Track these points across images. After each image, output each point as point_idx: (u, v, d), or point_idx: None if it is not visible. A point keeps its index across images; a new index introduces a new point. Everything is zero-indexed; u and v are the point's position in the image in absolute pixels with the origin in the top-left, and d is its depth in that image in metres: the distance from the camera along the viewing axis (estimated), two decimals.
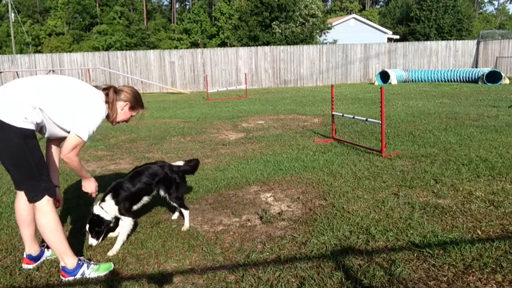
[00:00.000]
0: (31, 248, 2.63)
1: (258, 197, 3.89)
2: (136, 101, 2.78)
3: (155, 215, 3.51)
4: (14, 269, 2.64)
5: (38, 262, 2.66)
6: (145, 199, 3.16)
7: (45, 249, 2.77)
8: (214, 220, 3.38)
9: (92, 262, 2.58)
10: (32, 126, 2.33)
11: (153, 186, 3.15)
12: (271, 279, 2.40)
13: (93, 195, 2.77)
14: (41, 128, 2.43)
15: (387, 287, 2.29)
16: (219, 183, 4.33)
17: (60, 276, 2.49)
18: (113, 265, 2.56)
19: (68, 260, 2.46)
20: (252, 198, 3.88)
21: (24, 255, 2.68)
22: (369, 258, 2.58)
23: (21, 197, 2.51)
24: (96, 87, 2.67)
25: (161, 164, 3.26)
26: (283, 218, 3.35)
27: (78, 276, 2.46)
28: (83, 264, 2.49)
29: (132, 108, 2.77)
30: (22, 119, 2.28)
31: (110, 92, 2.65)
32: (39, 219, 2.42)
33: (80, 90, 2.53)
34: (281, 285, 2.33)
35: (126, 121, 2.82)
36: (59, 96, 2.43)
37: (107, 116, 2.64)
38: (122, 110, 2.73)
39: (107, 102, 2.62)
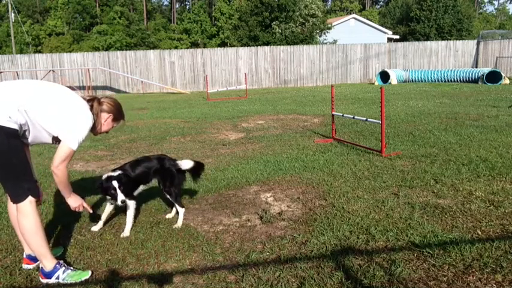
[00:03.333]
0: (28, 248, 2.63)
1: (258, 197, 3.89)
2: (119, 112, 2.82)
3: (155, 215, 3.51)
4: (14, 269, 2.64)
5: (38, 262, 2.66)
6: (142, 187, 3.34)
7: None
8: (214, 220, 3.37)
9: (71, 268, 2.55)
10: (15, 126, 2.32)
11: (150, 176, 3.32)
12: (271, 279, 2.40)
13: (80, 209, 2.72)
14: (24, 132, 2.41)
15: (387, 287, 2.29)
16: (219, 183, 4.33)
17: (39, 277, 2.51)
18: (90, 273, 2.52)
19: (47, 262, 2.47)
20: (252, 198, 3.87)
21: (24, 256, 2.68)
22: (369, 258, 2.58)
23: None
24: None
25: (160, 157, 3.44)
26: (283, 218, 3.35)
27: (53, 280, 2.47)
28: (59, 268, 2.49)
29: (114, 119, 2.81)
30: (6, 118, 2.28)
31: (94, 103, 2.67)
32: (21, 221, 2.42)
33: (67, 97, 2.54)
34: (281, 285, 2.33)
35: (107, 132, 2.85)
36: (46, 100, 2.44)
37: (93, 126, 2.65)
38: (105, 121, 2.76)
39: (91, 113, 2.63)
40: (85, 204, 2.73)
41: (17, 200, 2.41)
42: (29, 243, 2.48)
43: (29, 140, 2.49)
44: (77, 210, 2.70)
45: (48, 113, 2.41)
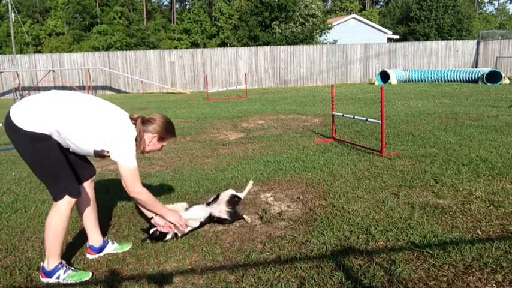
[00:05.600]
0: (92, 239, 2.74)
1: (258, 197, 3.89)
2: (166, 132, 2.68)
3: None
4: (14, 269, 2.63)
5: (100, 253, 2.75)
6: None
7: (109, 242, 2.84)
8: None
9: (72, 268, 2.55)
10: (43, 131, 2.32)
11: None
12: (271, 279, 2.40)
13: (181, 228, 2.84)
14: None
15: (387, 287, 2.29)
16: (219, 183, 4.33)
17: (39, 276, 2.51)
18: (90, 275, 2.52)
19: (51, 261, 2.48)
20: (252, 198, 3.87)
21: (87, 246, 2.79)
22: (369, 258, 2.58)
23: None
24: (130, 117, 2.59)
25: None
26: (283, 218, 3.35)
27: (53, 279, 2.46)
28: (60, 268, 2.49)
29: (161, 139, 2.70)
30: (31, 126, 2.29)
31: (138, 122, 2.57)
32: (51, 215, 2.45)
33: (100, 113, 2.48)
34: (281, 285, 2.33)
35: (159, 150, 2.78)
36: (79, 119, 2.40)
37: (135, 140, 2.55)
38: (150, 142, 2.65)
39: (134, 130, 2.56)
40: (187, 222, 2.83)
41: (55, 198, 2.45)
42: (46, 238, 2.48)
43: (70, 149, 2.50)
44: (177, 227, 2.81)
45: (83, 133, 2.41)
